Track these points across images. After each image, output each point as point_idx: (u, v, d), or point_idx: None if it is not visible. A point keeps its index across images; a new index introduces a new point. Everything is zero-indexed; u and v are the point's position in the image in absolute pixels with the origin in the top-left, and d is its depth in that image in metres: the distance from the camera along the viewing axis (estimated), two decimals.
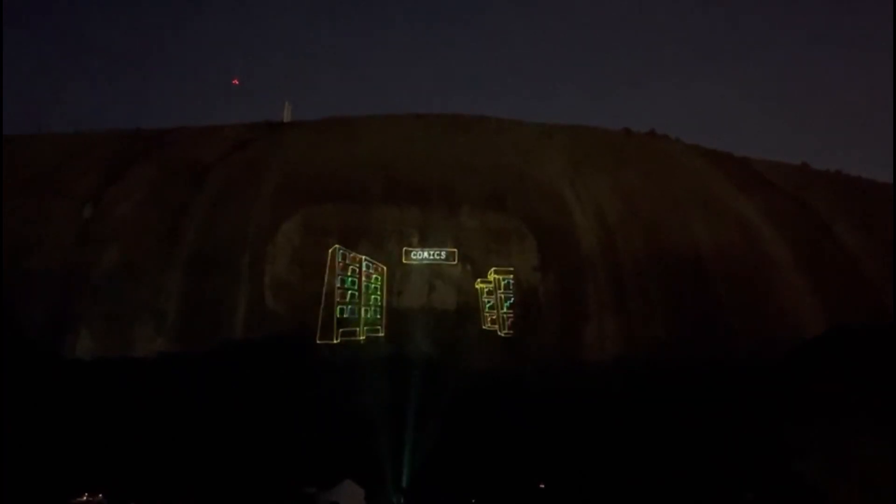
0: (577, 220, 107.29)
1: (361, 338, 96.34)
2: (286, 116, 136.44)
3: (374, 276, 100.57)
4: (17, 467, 65.40)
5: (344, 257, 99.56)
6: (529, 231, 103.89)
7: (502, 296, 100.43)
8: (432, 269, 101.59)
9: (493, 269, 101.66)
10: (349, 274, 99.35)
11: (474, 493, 77.71)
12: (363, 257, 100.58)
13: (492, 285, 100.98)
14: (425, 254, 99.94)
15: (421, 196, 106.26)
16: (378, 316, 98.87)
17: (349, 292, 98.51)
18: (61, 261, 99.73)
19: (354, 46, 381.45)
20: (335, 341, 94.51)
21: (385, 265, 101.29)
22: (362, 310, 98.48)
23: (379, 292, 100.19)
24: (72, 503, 66.33)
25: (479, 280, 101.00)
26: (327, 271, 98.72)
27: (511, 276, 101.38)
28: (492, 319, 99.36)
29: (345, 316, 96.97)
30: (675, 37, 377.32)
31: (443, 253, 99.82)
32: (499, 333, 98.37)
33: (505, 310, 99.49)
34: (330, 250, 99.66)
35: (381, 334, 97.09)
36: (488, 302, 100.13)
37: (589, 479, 74.17)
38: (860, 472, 56.61)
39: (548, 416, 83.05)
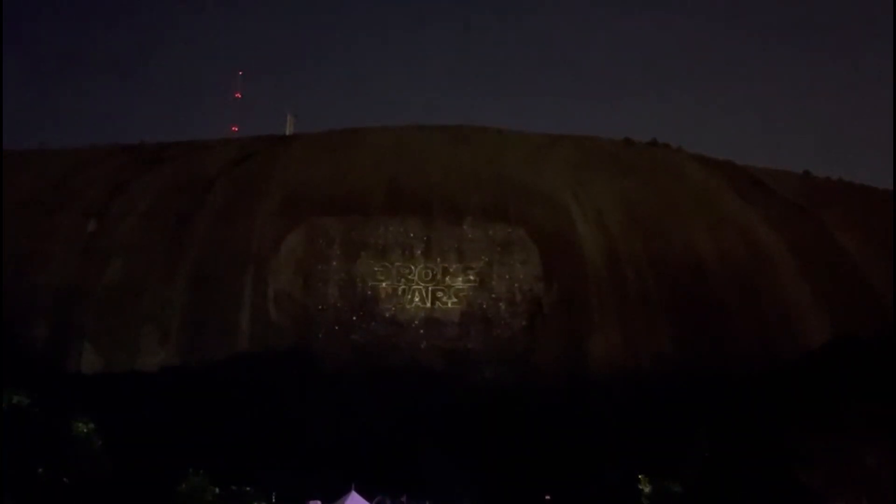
0: (580, 229, 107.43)
1: (366, 348, 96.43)
2: (289, 129, 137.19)
3: (379, 287, 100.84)
4: (19, 481, 65.43)
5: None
6: (532, 241, 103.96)
7: (506, 306, 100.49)
8: (436, 279, 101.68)
9: (494, 278, 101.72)
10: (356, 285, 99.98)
11: (479, 503, 77.58)
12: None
13: (495, 295, 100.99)
14: None
15: (424, 207, 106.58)
16: (383, 326, 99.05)
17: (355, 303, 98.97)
18: (65, 275, 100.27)
19: (356, 58, 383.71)
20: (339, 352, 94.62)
21: (387, 277, 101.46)
22: (368, 320, 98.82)
23: (383, 303, 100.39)
24: None
25: (481, 290, 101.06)
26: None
27: (514, 286, 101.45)
28: (495, 330, 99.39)
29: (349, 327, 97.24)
30: (677, 46, 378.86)
31: None
32: (502, 344, 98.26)
33: (508, 320, 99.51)
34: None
35: (384, 345, 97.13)
36: (492, 312, 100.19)
37: (595, 489, 74.02)
38: (864, 480, 56.50)
39: (553, 426, 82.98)
